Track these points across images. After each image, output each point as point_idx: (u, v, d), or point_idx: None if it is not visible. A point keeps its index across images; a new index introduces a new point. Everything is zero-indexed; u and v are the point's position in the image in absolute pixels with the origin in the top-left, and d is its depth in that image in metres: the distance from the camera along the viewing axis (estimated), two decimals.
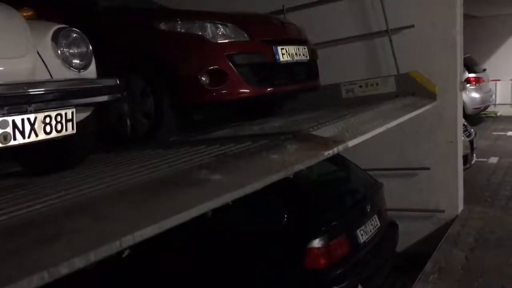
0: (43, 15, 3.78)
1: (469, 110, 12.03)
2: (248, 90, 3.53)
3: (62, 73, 2.43)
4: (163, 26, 3.50)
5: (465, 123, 6.78)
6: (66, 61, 2.48)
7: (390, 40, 5.04)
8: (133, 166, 2.62)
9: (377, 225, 4.33)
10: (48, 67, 2.36)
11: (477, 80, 12.52)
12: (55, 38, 2.47)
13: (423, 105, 4.51)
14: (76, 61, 2.52)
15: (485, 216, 5.25)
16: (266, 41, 3.69)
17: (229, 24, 3.55)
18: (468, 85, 11.79)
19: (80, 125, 2.41)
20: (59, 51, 2.46)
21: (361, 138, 3.08)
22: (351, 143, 2.93)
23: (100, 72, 2.78)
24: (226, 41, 3.50)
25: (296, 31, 4.16)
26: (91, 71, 2.60)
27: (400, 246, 5.35)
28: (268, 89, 3.70)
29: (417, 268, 4.29)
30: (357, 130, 3.20)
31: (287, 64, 3.80)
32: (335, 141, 2.84)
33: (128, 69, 3.62)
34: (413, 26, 4.99)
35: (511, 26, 14.54)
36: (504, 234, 4.67)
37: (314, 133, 3.01)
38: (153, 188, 1.87)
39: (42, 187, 2.15)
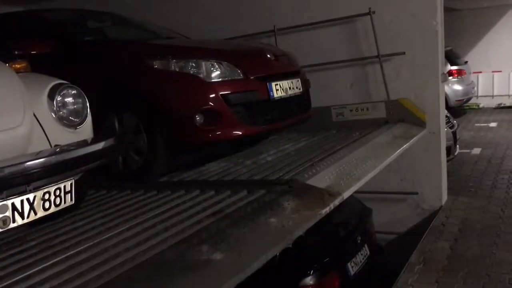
0: (33, 45, 3.73)
1: (452, 103, 12.14)
2: (242, 131, 3.52)
3: (58, 132, 2.40)
4: (156, 64, 3.45)
5: (448, 115, 6.81)
6: (62, 119, 2.44)
7: (381, 66, 5.06)
8: (129, 223, 2.60)
9: (366, 254, 4.38)
10: (45, 129, 2.33)
11: (459, 73, 12.62)
12: (51, 95, 2.43)
13: (412, 136, 4.55)
14: (72, 118, 2.48)
15: (469, 206, 5.29)
16: (260, 78, 3.67)
17: (223, 62, 3.52)
18: (450, 77, 11.86)
19: (75, 185, 2.38)
20: (55, 109, 2.42)
21: (355, 186, 3.10)
22: (346, 194, 2.95)
23: (94, 118, 2.76)
24: (221, 80, 3.47)
25: (289, 63, 4.14)
26: (87, 126, 2.57)
27: (385, 237, 5.44)
28: (262, 127, 3.70)
29: (402, 259, 4.32)
30: (351, 176, 3.22)
31: (281, 100, 3.79)
32: (331, 194, 2.86)
33: (120, 105, 3.59)
34: (403, 53, 5.00)
35: (491, 19, 14.65)
36: (487, 224, 4.73)
37: (309, 182, 3.01)
38: (154, 275, 1.85)
39: (40, 262, 2.11)
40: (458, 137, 7.20)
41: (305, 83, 4.23)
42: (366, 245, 4.42)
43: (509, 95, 14.57)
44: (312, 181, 3.03)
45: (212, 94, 3.41)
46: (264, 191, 2.91)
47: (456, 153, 7.01)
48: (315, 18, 5.31)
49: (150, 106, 3.46)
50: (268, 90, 3.69)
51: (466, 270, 3.80)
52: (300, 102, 4.11)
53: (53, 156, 2.05)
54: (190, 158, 3.99)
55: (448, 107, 8.89)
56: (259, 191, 2.92)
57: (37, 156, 1.99)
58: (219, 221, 2.40)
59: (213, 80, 3.44)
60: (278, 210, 2.53)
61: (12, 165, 1.86)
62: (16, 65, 2.60)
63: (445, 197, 5.47)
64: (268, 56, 3.91)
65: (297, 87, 4.01)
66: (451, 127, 6.85)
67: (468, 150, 8.40)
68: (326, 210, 2.65)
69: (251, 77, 3.62)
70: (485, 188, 5.99)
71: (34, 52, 3.72)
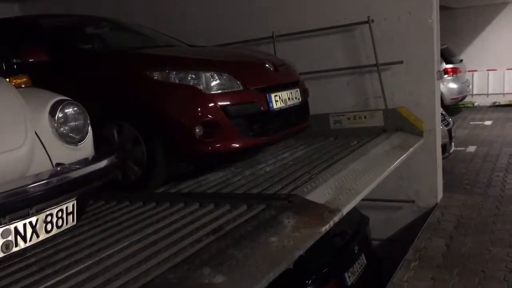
0: (31, 54, 3.72)
1: (447, 101, 12.18)
2: (241, 143, 3.52)
3: (59, 149, 2.40)
4: (156, 76, 3.45)
5: (443, 113, 6.80)
6: (63, 136, 2.44)
7: (379, 75, 5.07)
8: (129, 239, 2.60)
9: (363, 263, 4.40)
10: (46, 146, 2.33)
11: (455, 71, 12.65)
12: (52, 112, 2.43)
13: (410, 146, 4.57)
14: (73, 135, 2.48)
15: (464, 203, 5.30)
16: (260, 89, 3.67)
17: (223, 74, 3.52)
18: (445, 76, 11.88)
19: (76, 201, 2.37)
20: (56, 125, 2.42)
21: (354, 201, 3.12)
22: (345, 210, 2.97)
23: (95, 133, 2.76)
24: (220, 91, 3.47)
25: (288, 73, 4.14)
26: (88, 142, 2.56)
27: (382, 235, 5.44)
28: (262, 139, 3.70)
29: (398, 256, 4.33)
30: (350, 191, 3.23)
31: (280, 111, 3.79)
32: (330, 210, 2.87)
33: (119, 116, 3.59)
34: (401, 62, 5.02)
35: (487, 17, 14.69)
36: (483, 221, 4.73)
37: (309, 196, 3.02)
38: None
39: (40, 282, 2.11)
40: (453, 134, 7.20)
41: (304, 93, 4.24)
42: (363, 254, 4.45)
43: (504, 94, 14.64)
44: (311, 196, 3.04)
45: (212, 106, 3.41)
46: (263, 206, 2.92)
47: (451, 151, 7.01)
48: (314, 26, 5.30)
49: (149, 118, 3.46)
50: (268, 101, 3.69)
51: (461, 266, 3.80)
52: (299, 112, 4.10)
53: (56, 178, 2.05)
54: (189, 167, 3.99)
55: (443, 105, 8.89)
56: (259, 206, 2.92)
57: (40, 179, 1.98)
58: (219, 240, 2.41)
59: (212, 92, 3.44)
60: (278, 228, 2.54)
61: (15, 189, 1.86)
62: (17, 80, 2.59)
63: (440, 194, 5.48)
64: (268, 66, 3.90)
65: (296, 98, 4.02)
66: (446, 125, 6.86)
67: (463, 148, 8.43)
68: (326, 227, 2.66)
69: (251, 89, 3.62)
70: (480, 185, 6.01)
71: (32, 60, 3.71)
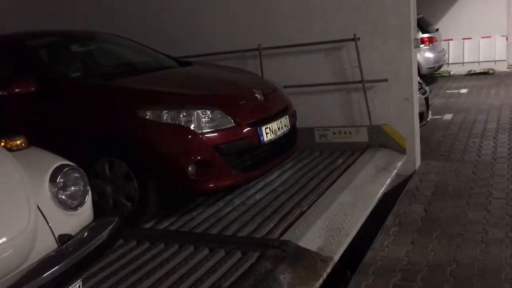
0: (17, 84, 3.67)
1: (424, 70, 12.25)
2: (233, 179, 3.59)
3: (59, 217, 2.39)
4: (148, 115, 3.45)
5: (420, 81, 6.83)
6: (62, 202, 2.44)
7: (364, 92, 5.14)
8: None
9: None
10: (47, 218, 2.33)
11: (431, 40, 12.72)
12: (53, 179, 2.42)
13: (395, 168, 4.69)
14: (73, 201, 2.48)
15: (442, 169, 5.37)
16: (251, 123, 3.70)
17: (215, 110, 3.54)
18: (422, 45, 11.97)
19: None
20: (55, 190, 2.41)
21: (345, 244, 3.23)
22: (337, 257, 3.07)
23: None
24: (212, 129, 3.50)
25: (277, 101, 4.15)
26: (88, 207, 2.56)
27: None
28: (253, 173, 3.76)
29: (378, 223, 4.34)
30: (340, 231, 3.33)
31: (271, 142, 3.83)
32: (323, 260, 2.97)
33: (111, 152, 3.59)
34: (386, 80, 5.08)
35: None
36: (459, 186, 4.82)
37: (301, 242, 3.12)
38: None
39: None
40: (430, 103, 7.23)
41: (293, 117, 4.28)
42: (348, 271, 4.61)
43: (479, 62, 14.82)
44: (303, 241, 3.13)
45: (204, 145, 3.45)
46: (258, 254, 3.00)
47: (428, 119, 7.02)
48: (300, 40, 5.31)
49: (141, 155, 3.48)
50: (259, 135, 3.73)
51: (440, 230, 3.90)
52: (288, 138, 4.14)
53: (63, 263, 2.06)
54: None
55: (420, 75, 8.91)
56: (253, 253, 3.00)
57: (47, 268, 2.00)
58: None
59: (205, 131, 3.47)
60: (274, 286, 2.63)
61: (24, 284, 1.88)
62: (14, 142, 2.55)
63: (418, 161, 5.56)
64: (257, 97, 3.92)
65: (285, 125, 4.06)
66: (423, 94, 6.86)
67: (440, 116, 8.52)
68: (320, 282, 2.77)
69: (242, 124, 3.64)
70: (457, 152, 6.09)
71: (18, 90, 3.66)
